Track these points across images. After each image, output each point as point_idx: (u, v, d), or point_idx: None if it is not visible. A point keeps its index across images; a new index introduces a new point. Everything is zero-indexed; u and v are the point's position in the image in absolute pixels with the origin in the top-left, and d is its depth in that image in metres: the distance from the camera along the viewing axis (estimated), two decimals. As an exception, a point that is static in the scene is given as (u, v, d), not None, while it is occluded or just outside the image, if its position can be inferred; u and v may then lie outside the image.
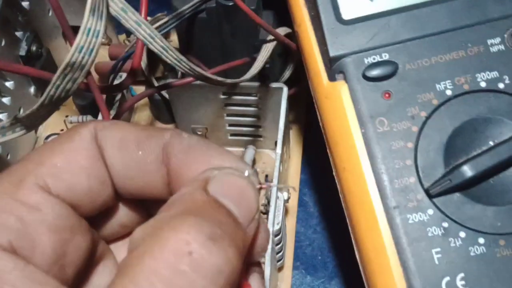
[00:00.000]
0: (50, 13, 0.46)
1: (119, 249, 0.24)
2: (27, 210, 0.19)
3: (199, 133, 0.43)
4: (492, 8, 0.31)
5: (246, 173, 0.21)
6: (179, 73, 0.43)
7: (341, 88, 0.31)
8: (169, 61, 0.29)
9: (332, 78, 0.31)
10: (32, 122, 0.26)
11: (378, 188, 0.29)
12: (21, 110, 0.43)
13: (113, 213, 0.24)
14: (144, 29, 0.26)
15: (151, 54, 0.42)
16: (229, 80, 0.33)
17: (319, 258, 0.41)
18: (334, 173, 0.32)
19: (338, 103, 0.30)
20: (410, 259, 0.27)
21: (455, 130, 0.29)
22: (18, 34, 0.42)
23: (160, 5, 0.49)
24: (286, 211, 0.40)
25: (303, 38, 0.33)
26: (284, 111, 0.38)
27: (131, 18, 0.26)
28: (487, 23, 0.31)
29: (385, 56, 0.31)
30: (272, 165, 0.43)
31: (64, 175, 0.21)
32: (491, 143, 0.29)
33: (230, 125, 0.42)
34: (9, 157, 0.41)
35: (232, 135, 0.43)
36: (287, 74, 0.41)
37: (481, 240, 0.27)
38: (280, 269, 0.40)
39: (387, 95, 0.30)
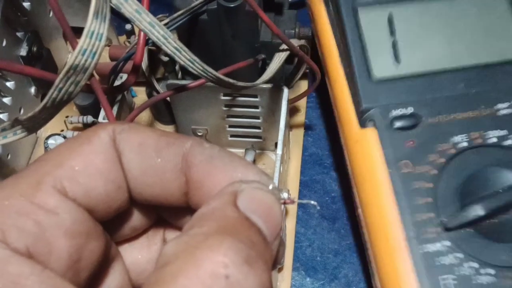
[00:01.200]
0: (51, 14, 0.46)
1: (126, 250, 0.24)
2: (45, 214, 0.19)
3: (199, 134, 0.43)
4: (501, 78, 0.36)
5: (271, 187, 0.21)
6: (179, 74, 0.43)
7: (371, 134, 0.35)
8: (182, 62, 0.29)
9: (363, 125, 0.36)
10: (33, 125, 0.26)
11: (401, 221, 0.32)
12: (22, 110, 0.43)
13: (125, 217, 0.23)
14: (157, 30, 0.26)
15: (152, 55, 0.42)
16: (240, 83, 0.34)
17: (318, 260, 0.41)
18: (357, 209, 0.36)
19: (368, 146, 0.35)
20: (427, 284, 0.31)
21: (469, 176, 0.33)
22: (19, 34, 0.42)
23: (161, 6, 0.49)
24: (286, 212, 0.40)
25: (336, 90, 0.38)
26: (284, 112, 0.38)
27: (145, 20, 0.26)
28: (497, 90, 0.36)
29: (410, 110, 0.35)
30: (272, 166, 0.43)
31: (82, 178, 0.20)
32: (500, 188, 0.32)
33: (231, 126, 0.42)
34: (9, 157, 0.41)
35: (232, 136, 0.44)
36: (297, 78, 0.42)
37: (492, 271, 0.31)
38: (279, 270, 0.40)
39: (411, 142, 0.34)
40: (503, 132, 0.34)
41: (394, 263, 0.32)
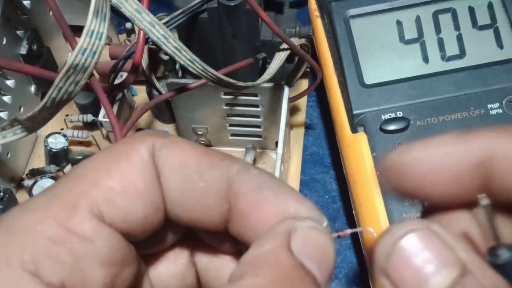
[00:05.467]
0: (51, 12, 0.46)
1: (150, 263, 0.23)
2: (80, 242, 0.18)
3: (199, 133, 0.43)
4: (491, 79, 0.37)
5: (325, 224, 0.19)
6: (180, 73, 0.43)
7: (361, 138, 0.36)
8: (182, 62, 0.29)
9: (354, 130, 0.37)
10: (33, 125, 0.26)
11: (389, 221, 0.33)
12: (22, 109, 0.43)
13: (156, 234, 0.22)
14: (158, 29, 0.26)
15: (152, 54, 0.42)
16: (240, 83, 0.33)
17: (319, 259, 0.41)
18: (353, 209, 0.37)
19: (359, 151, 0.36)
20: None
21: None
22: (19, 32, 0.42)
23: (160, 5, 0.49)
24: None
25: (331, 97, 0.39)
26: (285, 111, 0.38)
27: (145, 19, 0.26)
28: (487, 91, 0.36)
29: (399, 114, 0.36)
30: (273, 165, 0.43)
31: (120, 201, 0.19)
32: None
33: (231, 125, 0.42)
34: (9, 156, 0.41)
35: (232, 135, 0.43)
36: (297, 77, 0.42)
37: None
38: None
39: (400, 145, 0.35)
40: None
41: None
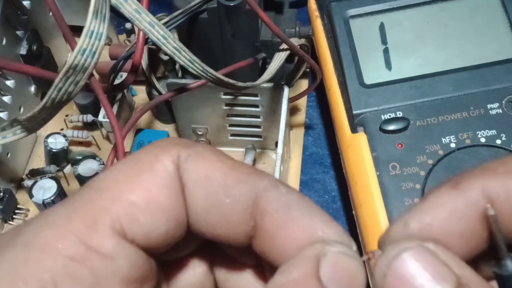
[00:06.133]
0: (51, 12, 0.46)
1: (168, 269, 0.22)
2: (101, 260, 0.17)
3: (199, 133, 0.43)
4: (491, 79, 0.36)
5: (354, 248, 0.19)
6: (179, 73, 0.43)
7: (361, 138, 0.36)
8: (181, 62, 0.28)
9: (354, 130, 0.37)
10: (33, 125, 0.26)
11: (389, 221, 0.33)
12: (21, 109, 0.43)
13: (176, 246, 0.21)
14: (157, 30, 0.26)
15: (152, 54, 0.42)
16: (240, 84, 0.33)
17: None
18: (352, 209, 0.37)
19: (358, 151, 0.36)
20: None
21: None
22: (19, 33, 0.42)
23: (160, 5, 0.49)
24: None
25: (331, 98, 0.39)
26: (285, 111, 0.38)
27: (145, 20, 0.26)
28: (487, 91, 0.36)
29: (399, 114, 0.36)
30: (273, 165, 0.43)
31: (143, 218, 0.18)
32: None
33: (231, 125, 0.42)
34: (9, 156, 0.41)
35: (232, 135, 0.43)
36: (297, 77, 0.42)
37: None
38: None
39: (399, 145, 0.35)
40: (492, 132, 0.35)
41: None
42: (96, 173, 0.40)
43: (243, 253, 0.21)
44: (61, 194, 0.39)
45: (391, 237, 0.19)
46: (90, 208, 0.18)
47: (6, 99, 0.41)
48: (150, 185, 0.18)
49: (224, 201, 0.19)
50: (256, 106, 0.40)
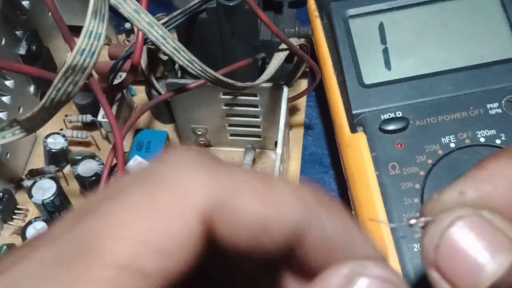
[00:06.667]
0: (50, 13, 0.46)
1: None
2: None
3: (199, 133, 0.43)
4: (491, 79, 0.36)
5: (392, 269, 0.16)
6: (179, 73, 0.43)
7: (360, 138, 0.36)
8: (180, 62, 0.28)
9: (353, 130, 0.37)
10: (32, 125, 0.26)
11: (389, 221, 0.33)
12: (21, 109, 0.43)
13: None
14: (156, 30, 0.26)
15: (151, 54, 0.42)
16: (239, 84, 0.33)
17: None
18: (352, 209, 0.37)
19: (358, 150, 0.36)
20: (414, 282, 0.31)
21: (457, 176, 0.33)
22: (18, 33, 0.42)
23: (159, 5, 0.49)
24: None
25: (331, 97, 0.39)
26: (284, 111, 0.38)
27: (144, 20, 0.26)
28: (487, 90, 0.36)
29: (399, 114, 0.36)
30: (272, 165, 0.43)
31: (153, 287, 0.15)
32: None
33: (230, 125, 0.42)
34: (8, 156, 0.41)
35: (232, 135, 0.43)
36: (297, 77, 0.42)
37: None
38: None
39: (399, 145, 0.35)
40: (491, 132, 0.35)
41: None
42: (96, 174, 0.40)
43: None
44: (60, 195, 0.39)
45: (444, 205, 0.17)
46: (91, 278, 0.14)
47: (5, 99, 0.41)
48: (165, 247, 0.15)
49: (265, 245, 0.16)
50: (256, 106, 0.40)
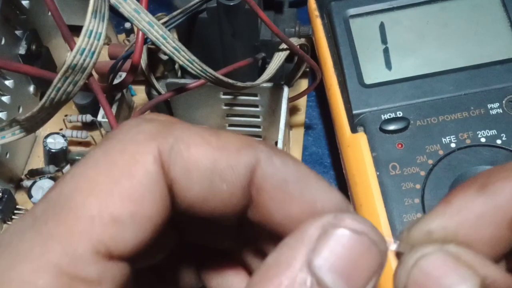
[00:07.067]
0: (50, 12, 0.45)
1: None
2: None
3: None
4: (491, 79, 0.36)
5: (368, 222, 0.17)
6: (179, 73, 0.43)
7: (361, 138, 0.36)
8: (181, 62, 0.28)
9: (354, 130, 0.37)
10: (32, 125, 0.26)
11: (389, 221, 0.33)
12: (21, 109, 0.43)
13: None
14: (156, 30, 0.26)
15: (151, 54, 0.42)
16: (239, 84, 0.33)
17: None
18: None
19: (358, 150, 0.36)
20: None
21: (458, 176, 0.33)
22: (18, 32, 0.42)
23: (160, 5, 0.49)
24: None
25: (332, 98, 0.39)
26: (284, 111, 0.38)
27: (144, 19, 0.26)
28: (487, 90, 0.36)
29: (399, 114, 0.36)
30: (272, 165, 0.43)
31: (128, 233, 0.16)
32: None
33: (231, 125, 0.42)
34: (7, 156, 0.41)
35: (232, 135, 0.43)
36: (297, 77, 0.42)
37: None
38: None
39: (399, 145, 0.35)
40: (492, 132, 0.35)
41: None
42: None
43: (227, 234, 0.20)
44: (60, 194, 0.39)
45: (413, 243, 0.18)
46: (68, 231, 0.15)
47: (5, 99, 0.41)
48: (132, 194, 0.16)
49: (222, 188, 0.17)
50: (256, 106, 0.40)
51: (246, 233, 0.19)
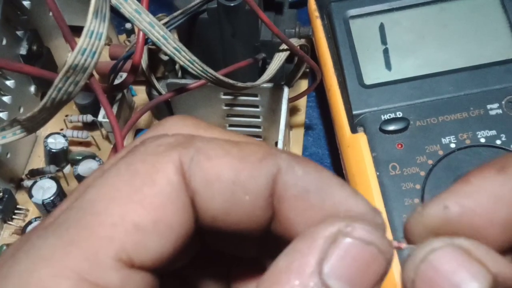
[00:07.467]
0: (51, 13, 0.46)
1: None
2: None
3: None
4: (491, 79, 0.36)
5: (379, 221, 0.17)
6: (179, 73, 0.43)
7: (361, 139, 0.36)
8: (181, 63, 0.28)
9: (354, 130, 0.37)
10: (32, 125, 0.26)
11: (389, 222, 0.33)
12: (21, 109, 0.43)
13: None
14: (157, 30, 0.26)
15: (152, 54, 0.42)
16: (240, 84, 0.34)
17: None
18: None
19: (358, 151, 0.36)
20: None
21: (458, 176, 0.34)
22: (19, 33, 0.42)
23: (160, 5, 0.49)
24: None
25: (332, 98, 0.39)
26: (284, 111, 0.38)
27: (145, 20, 0.26)
28: (487, 91, 0.36)
29: (399, 114, 0.36)
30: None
31: (151, 241, 0.16)
32: None
33: (231, 125, 0.42)
34: (8, 156, 0.41)
35: (232, 135, 0.43)
36: (297, 77, 0.42)
37: None
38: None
39: (399, 145, 0.35)
40: (492, 132, 0.35)
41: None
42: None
43: (253, 244, 0.20)
44: (60, 194, 0.39)
45: (428, 220, 0.17)
46: (89, 237, 0.15)
47: (6, 99, 0.41)
48: (154, 201, 0.16)
49: (244, 199, 0.17)
50: (256, 106, 0.40)
51: (273, 241, 0.19)
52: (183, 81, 0.38)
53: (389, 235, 0.33)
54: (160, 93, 0.43)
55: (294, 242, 0.16)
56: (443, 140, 0.35)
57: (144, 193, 0.16)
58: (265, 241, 0.20)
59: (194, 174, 0.17)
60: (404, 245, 0.18)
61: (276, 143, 0.37)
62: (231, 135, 0.19)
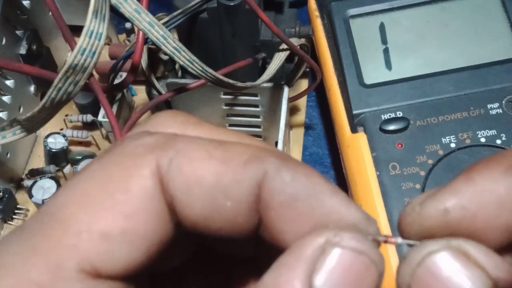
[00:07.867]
0: (51, 12, 0.46)
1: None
2: None
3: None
4: (491, 79, 0.36)
5: (372, 230, 0.16)
6: (179, 73, 0.43)
7: (361, 138, 0.36)
8: (181, 62, 0.28)
9: (354, 130, 0.37)
10: (32, 125, 0.26)
11: (389, 222, 0.33)
12: (21, 109, 0.43)
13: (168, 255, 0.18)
14: (157, 30, 0.26)
15: (151, 54, 0.42)
16: (240, 84, 0.33)
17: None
18: None
19: (358, 150, 0.36)
20: None
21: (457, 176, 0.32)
22: (19, 32, 0.42)
23: (160, 5, 0.49)
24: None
25: (332, 98, 0.39)
26: (284, 111, 0.38)
27: (144, 19, 0.26)
28: (487, 91, 0.36)
29: (399, 114, 0.36)
30: (272, 165, 0.43)
31: (118, 250, 0.15)
32: None
33: (231, 125, 0.42)
34: (8, 156, 0.41)
35: (232, 135, 0.43)
36: (297, 77, 0.42)
37: None
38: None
39: (399, 145, 0.35)
40: (492, 132, 0.35)
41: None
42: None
43: (242, 247, 0.20)
44: (60, 194, 0.39)
45: (425, 222, 0.16)
46: (52, 246, 0.14)
47: (5, 99, 0.41)
48: (125, 209, 0.15)
49: (225, 205, 0.16)
50: (256, 106, 0.40)
51: (267, 242, 0.18)
52: (183, 80, 0.38)
53: (388, 233, 0.33)
54: (160, 93, 0.43)
55: (280, 256, 0.15)
56: (443, 139, 0.35)
57: (115, 199, 0.15)
58: (262, 241, 0.19)
59: (173, 178, 0.16)
60: (399, 239, 0.17)
61: (276, 143, 0.37)
62: (221, 132, 0.18)
